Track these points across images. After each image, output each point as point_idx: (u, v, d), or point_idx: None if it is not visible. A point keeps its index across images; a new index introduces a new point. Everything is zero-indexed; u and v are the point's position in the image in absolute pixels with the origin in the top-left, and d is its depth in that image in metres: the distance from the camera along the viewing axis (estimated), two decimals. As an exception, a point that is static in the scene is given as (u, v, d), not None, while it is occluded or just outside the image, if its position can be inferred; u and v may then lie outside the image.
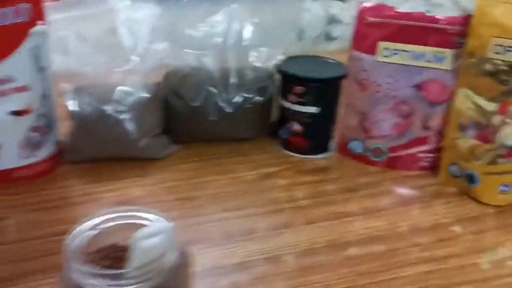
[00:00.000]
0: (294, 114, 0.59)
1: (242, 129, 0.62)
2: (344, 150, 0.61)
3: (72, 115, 0.56)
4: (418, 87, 0.55)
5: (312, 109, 0.58)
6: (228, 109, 0.59)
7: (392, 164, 0.59)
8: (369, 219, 0.49)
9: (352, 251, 0.44)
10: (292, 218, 0.48)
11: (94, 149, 0.56)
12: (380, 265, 0.42)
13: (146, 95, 0.56)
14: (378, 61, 0.55)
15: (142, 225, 0.34)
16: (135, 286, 0.29)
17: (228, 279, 0.41)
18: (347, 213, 0.50)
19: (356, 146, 0.60)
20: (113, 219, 0.36)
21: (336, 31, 1.82)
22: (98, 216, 0.34)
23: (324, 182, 0.55)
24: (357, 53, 0.56)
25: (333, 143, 0.62)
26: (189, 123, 0.60)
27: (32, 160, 0.53)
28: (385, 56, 0.55)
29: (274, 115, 0.64)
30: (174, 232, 0.33)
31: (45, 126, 0.54)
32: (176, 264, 0.32)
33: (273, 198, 0.52)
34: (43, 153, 0.54)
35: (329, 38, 1.83)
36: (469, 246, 0.45)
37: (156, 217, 0.35)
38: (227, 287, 0.40)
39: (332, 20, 1.83)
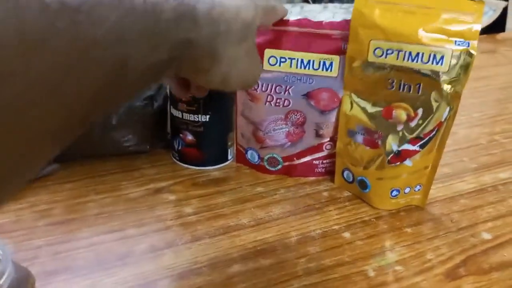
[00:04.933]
0: (185, 123, 0.56)
1: (132, 143, 0.58)
2: (242, 159, 0.59)
3: None
4: (308, 95, 0.54)
5: (203, 117, 0.55)
6: (113, 121, 0.55)
7: (289, 172, 0.57)
8: (259, 231, 0.46)
9: (236, 268, 0.41)
10: (176, 237, 0.45)
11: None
12: (264, 281, 0.40)
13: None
14: (266, 70, 0.53)
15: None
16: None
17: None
18: (236, 226, 0.47)
19: (252, 155, 0.58)
20: None
21: None
22: None
23: (217, 195, 0.53)
24: (244, 61, 0.54)
25: (232, 152, 0.60)
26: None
27: None
28: (272, 65, 0.53)
29: (169, 126, 0.61)
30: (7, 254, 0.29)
31: None
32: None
33: (158, 216, 0.48)
34: None
35: None
36: (357, 253, 0.44)
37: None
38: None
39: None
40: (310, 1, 2.68)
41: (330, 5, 2.76)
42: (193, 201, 0.51)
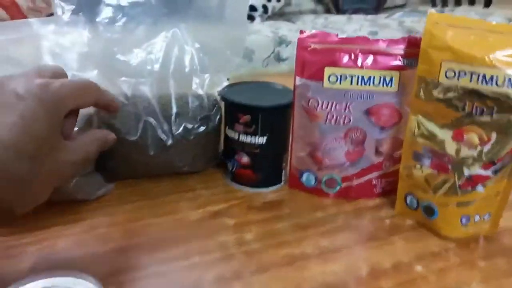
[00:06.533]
0: (241, 145, 0.55)
1: (186, 163, 0.57)
2: (296, 183, 0.57)
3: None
4: (368, 111, 0.53)
5: (260, 139, 0.54)
6: (169, 142, 0.54)
7: (346, 194, 0.56)
8: (326, 261, 0.45)
9: (309, 302, 0.40)
10: (243, 266, 0.43)
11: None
12: (340, 317, 0.38)
13: (74, 129, 0.50)
14: (326, 88, 0.52)
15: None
16: None
17: None
18: (302, 255, 0.45)
19: (308, 178, 0.56)
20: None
21: (285, 52, 1.83)
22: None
23: (276, 219, 0.51)
24: (302, 80, 0.53)
25: (285, 174, 0.58)
26: (125, 159, 0.54)
27: None
28: (332, 82, 0.52)
29: (221, 145, 0.60)
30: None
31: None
32: None
33: (221, 242, 0.46)
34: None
35: (278, 59, 1.85)
36: (432, 288, 0.42)
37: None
38: None
39: (281, 41, 1.85)
40: (334, 12, 2.66)
41: (354, 16, 2.75)
42: (252, 226, 0.49)
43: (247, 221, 0.50)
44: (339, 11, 2.58)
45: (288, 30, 1.86)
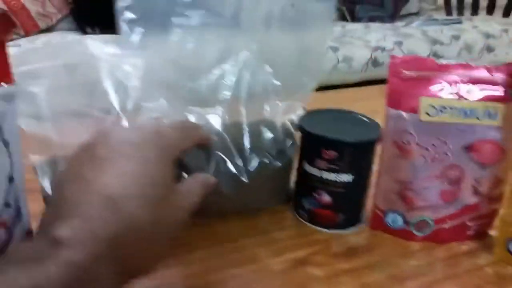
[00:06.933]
0: (322, 183, 0.49)
1: (260, 201, 0.51)
2: (379, 224, 0.51)
3: (45, 195, 0.43)
4: (469, 148, 0.47)
5: (345, 177, 0.48)
6: (245, 178, 0.48)
7: (437, 237, 0.50)
8: (439, 324, 0.39)
9: None
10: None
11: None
12: None
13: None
14: (422, 121, 0.47)
15: None
16: None
17: None
18: (410, 316, 0.40)
19: (395, 220, 0.51)
20: None
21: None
22: None
23: (368, 269, 0.45)
24: (395, 112, 0.48)
25: (364, 214, 0.52)
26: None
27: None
28: (430, 115, 0.47)
29: (292, 180, 0.54)
30: None
31: (13, 217, 0.40)
32: None
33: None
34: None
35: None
36: None
37: None
38: None
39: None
40: (349, 19, 2.61)
41: (371, 24, 2.70)
42: (343, 278, 0.44)
43: (337, 272, 0.45)
44: (355, 18, 2.54)
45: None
